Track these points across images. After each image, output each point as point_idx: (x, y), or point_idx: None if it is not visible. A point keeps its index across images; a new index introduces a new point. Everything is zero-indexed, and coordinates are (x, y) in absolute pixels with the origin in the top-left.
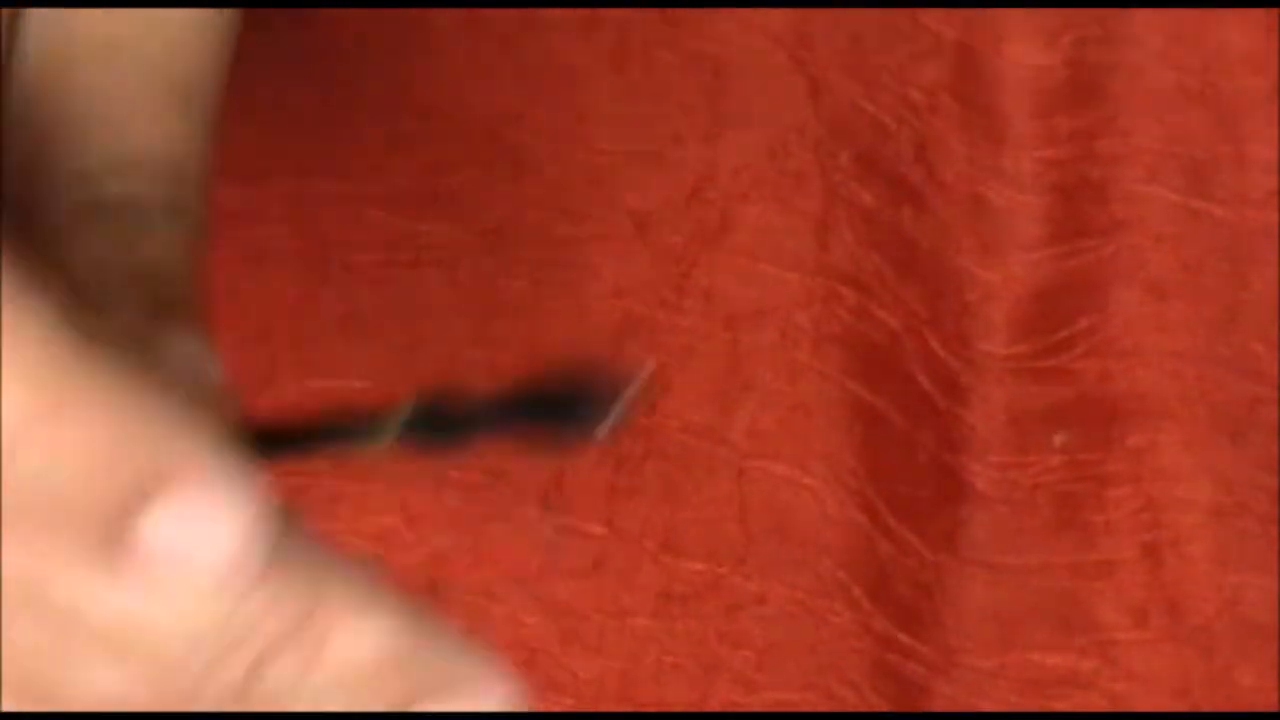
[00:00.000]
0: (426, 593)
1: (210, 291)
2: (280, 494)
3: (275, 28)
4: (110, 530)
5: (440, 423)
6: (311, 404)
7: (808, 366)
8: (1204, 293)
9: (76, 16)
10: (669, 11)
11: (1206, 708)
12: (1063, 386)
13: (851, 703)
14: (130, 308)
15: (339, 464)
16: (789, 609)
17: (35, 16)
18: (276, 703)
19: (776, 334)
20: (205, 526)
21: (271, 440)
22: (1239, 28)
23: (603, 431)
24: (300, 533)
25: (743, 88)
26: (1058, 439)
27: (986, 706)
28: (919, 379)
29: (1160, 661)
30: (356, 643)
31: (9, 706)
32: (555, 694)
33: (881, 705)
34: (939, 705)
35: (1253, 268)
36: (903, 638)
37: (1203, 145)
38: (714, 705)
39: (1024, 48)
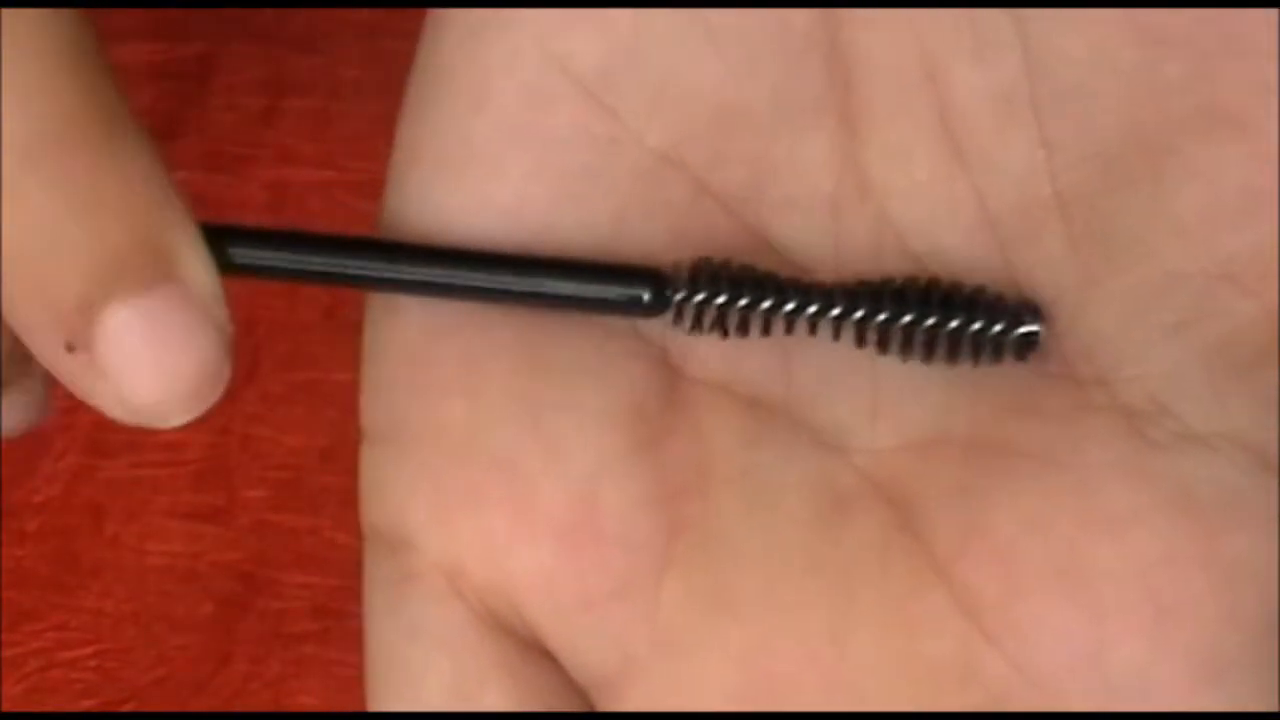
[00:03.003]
0: None
1: None
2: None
3: (259, 17)
4: (75, 310)
5: (758, 292)
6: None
7: None
8: None
9: None
10: None
11: None
12: None
13: None
14: None
15: (328, 457)
16: None
17: None
18: None
19: None
20: (167, 342)
21: (503, 270)
22: None
23: (1044, 335)
24: None
25: None
26: None
27: None
28: None
29: None
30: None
31: None
32: None
33: None
34: None
35: None
36: None
37: None
38: None
39: None
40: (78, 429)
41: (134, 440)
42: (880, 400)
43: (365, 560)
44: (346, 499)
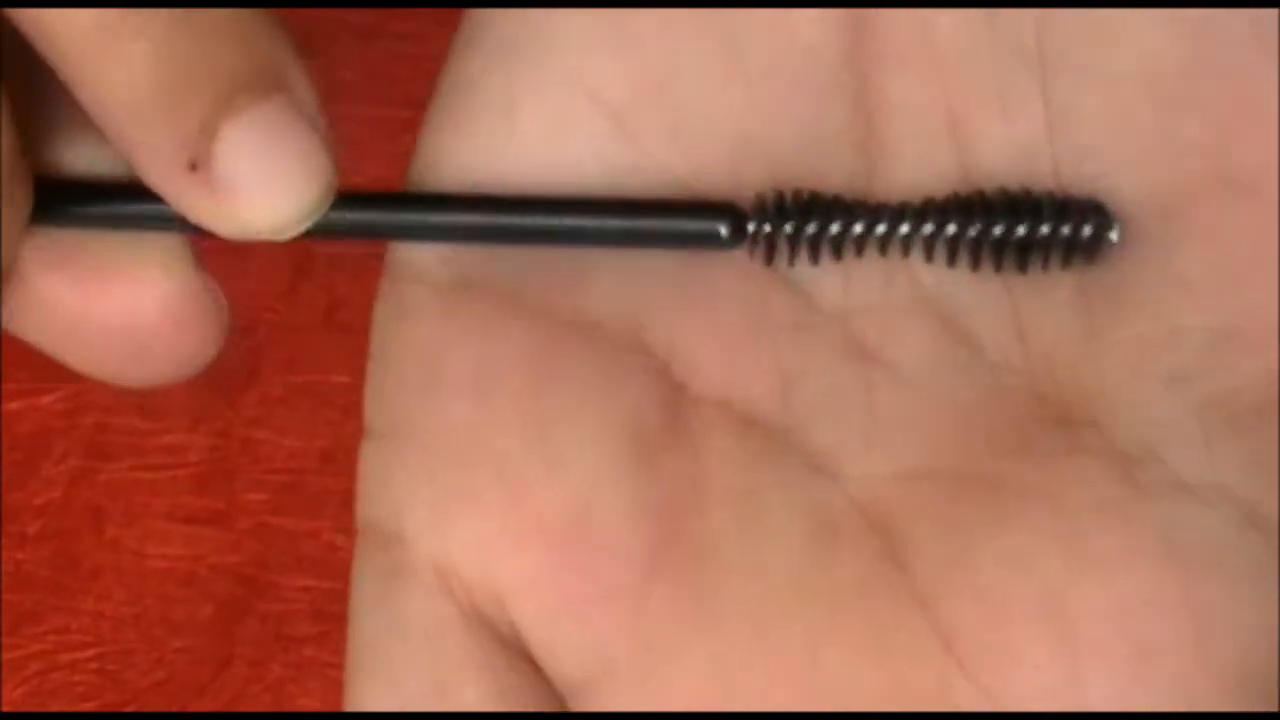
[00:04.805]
0: None
1: None
2: None
3: None
4: (199, 129)
5: (829, 215)
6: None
7: None
8: None
9: None
10: None
11: None
12: None
13: None
14: None
15: (328, 460)
16: None
17: None
18: None
19: None
20: (280, 149)
21: (574, 213)
22: None
23: (1115, 236)
24: None
25: None
26: None
27: None
28: None
29: None
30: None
31: None
32: None
33: None
34: None
35: None
36: None
37: None
38: None
39: None
40: (78, 432)
41: (134, 443)
42: (876, 428)
43: (356, 553)
44: (347, 501)
